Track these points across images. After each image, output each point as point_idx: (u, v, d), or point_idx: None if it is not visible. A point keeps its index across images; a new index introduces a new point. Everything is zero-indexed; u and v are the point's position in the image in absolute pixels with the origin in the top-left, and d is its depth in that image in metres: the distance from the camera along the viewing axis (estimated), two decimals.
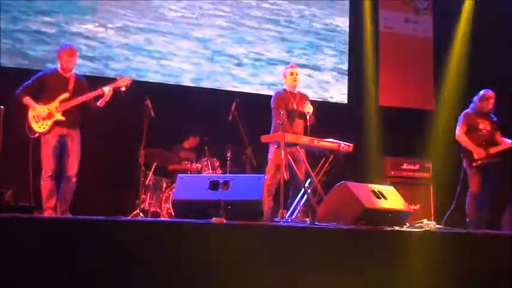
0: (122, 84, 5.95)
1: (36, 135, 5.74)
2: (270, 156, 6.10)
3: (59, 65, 5.93)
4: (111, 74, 7.60)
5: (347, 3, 9.22)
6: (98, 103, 5.90)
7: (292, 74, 6.28)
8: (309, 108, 6.10)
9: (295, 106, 6.17)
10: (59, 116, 5.74)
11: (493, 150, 6.52)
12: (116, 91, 5.94)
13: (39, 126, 5.73)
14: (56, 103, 5.76)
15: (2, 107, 5.85)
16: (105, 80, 6.40)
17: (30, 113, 5.77)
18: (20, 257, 3.18)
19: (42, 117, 5.73)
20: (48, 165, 5.71)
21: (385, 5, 9.30)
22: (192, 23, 8.25)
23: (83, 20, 7.68)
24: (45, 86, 5.82)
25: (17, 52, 7.34)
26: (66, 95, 5.79)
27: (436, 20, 9.44)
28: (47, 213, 5.65)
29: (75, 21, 7.63)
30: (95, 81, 6.28)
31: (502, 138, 6.65)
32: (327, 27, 9.03)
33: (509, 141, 6.59)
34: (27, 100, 5.77)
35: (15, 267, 3.16)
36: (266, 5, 8.71)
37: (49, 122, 5.73)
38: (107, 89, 5.85)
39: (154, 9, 8.08)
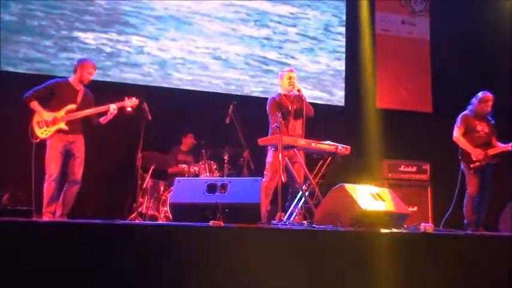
0: (128, 105, 6.09)
1: (38, 140, 5.75)
2: (269, 159, 6.09)
3: (73, 77, 6.00)
4: (107, 78, 7.63)
5: (344, 5, 9.23)
6: (101, 119, 6.02)
7: (290, 77, 6.27)
8: (297, 86, 6.12)
9: (290, 108, 6.16)
10: (62, 125, 5.79)
11: (491, 151, 6.52)
12: (121, 110, 6.05)
13: (41, 132, 5.76)
14: (62, 112, 5.82)
15: None
16: (109, 87, 6.43)
17: (35, 118, 5.80)
18: (18, 260, 3.17)
19: (46, 123, 5.77)
20: (53, 168, 5.73)
21: (381, 7, 9.32)
22: (188, 26, 8.25)
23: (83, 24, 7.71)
24: (55, 95, 5.88)
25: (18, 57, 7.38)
26: (73, 106, 5.88)
27: (433, 22, 9.46)
28: (46, 217, 5.64)
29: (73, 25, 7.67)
30: (99, 87, 6.36)
31: (497, 143, 6.65)
32: (324, 29, 9.04)
33: (504, 145, 6.59)
34: (34, 104, 5.81)
35: (13, 270, 3.15)
36: (263, 7, 8.71)
37: (52, 129, 5.77)
38: (113, 107, 5.96)
39: (148, 11, 8.11)
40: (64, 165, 5.84)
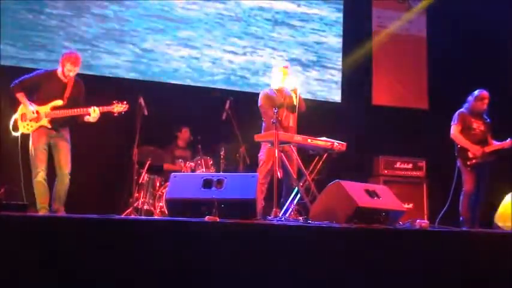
0: (116, 110, 5.82)
1: (19, 133, 5.67)
2: (262, 155, 6.08)
3: (60, 69, 5.80)
4: (103, 71, 7.62)
5: (341, 2, 9.21)
6: (85, 119, 5.78)
7: (283, 73, 6.27)
8: (292, 83, 6.11)
9: (282, 102, 6.13)
10: (45, 122, 5.65)
11: (488, 149, 6.54)
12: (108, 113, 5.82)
13: (23, 126, 5.67)
14: (47, 108, 5.68)
15: None
16: (105, 82, 6.33)
17: (20, 110, 5.71)
18: (14, 256, 3.17)
19: (29, 118, 5.65)
20: (39, 163, 5.62)
21: (378, 3, 9.31)
22: (185, 20, 8.23)
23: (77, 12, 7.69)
24: (42, 86, 5.74)
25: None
26: (59, 102, 5.71)
27: (430, 19, 9.45)
28: (41, 212, 5.56)
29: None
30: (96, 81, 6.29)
31: (492, 141, 6.66)
32: (320, 25, 9.02)
33: (500, 142, 6.61)
34: (21, 96, 5.70)
35: (9, 267, 3.14)
36: (259, 3, 8.68)
37: (34, 125, 5.66)
38: (93, 110, 5.69)
39: (145, 5, 8.08)
40: (50, 159, 5.72)
